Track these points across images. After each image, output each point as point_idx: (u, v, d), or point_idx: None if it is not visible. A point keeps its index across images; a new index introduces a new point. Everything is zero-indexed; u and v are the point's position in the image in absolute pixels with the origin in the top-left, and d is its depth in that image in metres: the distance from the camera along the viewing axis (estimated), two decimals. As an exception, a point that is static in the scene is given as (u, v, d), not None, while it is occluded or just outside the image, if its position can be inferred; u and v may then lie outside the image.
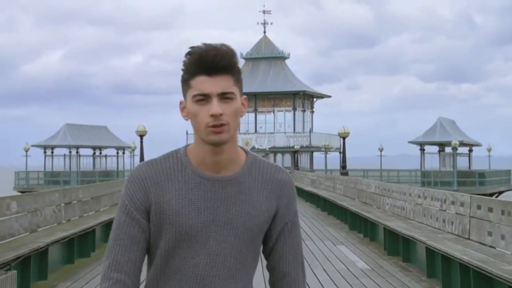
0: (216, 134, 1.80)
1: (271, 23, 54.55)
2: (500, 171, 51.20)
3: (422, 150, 48.35)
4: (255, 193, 1.91)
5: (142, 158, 27.05)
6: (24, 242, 8.80)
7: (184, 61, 1.83)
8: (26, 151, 51.40)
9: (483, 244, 8.21)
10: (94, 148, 56.15)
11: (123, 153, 58.52)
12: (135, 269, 1.88)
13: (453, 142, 44.51)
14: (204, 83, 1.79)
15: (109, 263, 1.86)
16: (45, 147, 53.14)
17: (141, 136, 27.16)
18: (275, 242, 1.97)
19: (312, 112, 56.17)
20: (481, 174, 45.99)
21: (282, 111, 53.25)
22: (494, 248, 7.89)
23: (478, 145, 52.69)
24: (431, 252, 9.31)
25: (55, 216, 11.10)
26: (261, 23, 56.35)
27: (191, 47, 1.83)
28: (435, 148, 49.55)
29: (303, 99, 54.40)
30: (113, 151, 58.52)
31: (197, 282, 1.86)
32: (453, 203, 9.66)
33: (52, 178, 52.08)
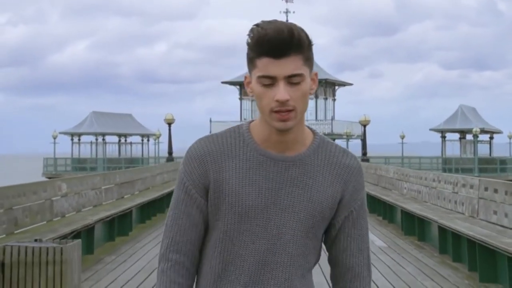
0: (281, 122, 1.71)
1: (294, 12, 55.04)
2: (521, 158, 51.57)
3: (443, 137, 48.89)
4: (319, 176, 1.80)
5: (170, 146, 28.00)
6: (74, 219, 9.79)
7: (249, 37, 1.72)
8: (54, 138, 52.58)
9: (489, 222, 9.03)
10: (119, 135, 57.25)
11: (148, 140, 59.56)
12: (195, 250, 1.82)
13: (474, 130, 45.00)
14: (270, 65, 1.69)
15: (167, 243, 1.81)
16: (72, 134, 54.33)
17: (169, 124, 28.10)
18: (338, 231, 1.85)
19: (334, 100, 56.80)
20: (503, 161, 46.46)
21: (304, 99, 53.85)
22: (499, 225, 8.70)
23: (499, 132, 52.98)
24: (443, 231, 10.14)
25: (97, 197, 12.08)
26: (284, 12, 57.05)
27: (259, 24, 1.71)
28: (456, 136, 50.06)
29: (325, 87, 55.04)
30: (138, 139, 59.62)
31: (258, 269, 1.77)
32: (463, 186, 10.47)
33: (79, 164, 53.26)
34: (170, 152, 27.99)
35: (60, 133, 53.47)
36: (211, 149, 1.79)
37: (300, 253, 1.79)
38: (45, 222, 9.29)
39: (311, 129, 1.84)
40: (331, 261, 1.89)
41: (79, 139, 54.29)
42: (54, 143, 52.01)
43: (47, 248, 6.34)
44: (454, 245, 9.57)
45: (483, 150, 49.86)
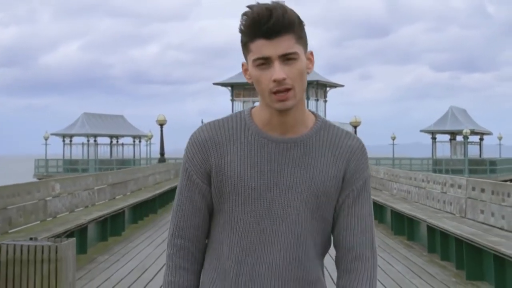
0: (281, 102, 1.73)
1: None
2: (511, 159, 51.95)
3: (434, 138, 49.20)
4: (322, 157, 1.81)
5: (162, 147, 28.13)
6: (68, 219, 9.89)
7: (240, 23, 1.75)
8: (46, 139, 52.59)
9: (476, 221, 9.20)
10: (111, 136, 57.33)
11: (139, 141, 59.66)
12: (199, 235, 1.85)
13: (464, 131, 45.29)
14: (263, 47, 1.71)
15: (172, 230, 1.85)
16: (63, 136, 54.34)
17: (161, 125, 28.24)
18: (339, 210, 1.84)
19: (325, 101, 56.94)
20: (492, 162, 46.77)
21: (295, 100, 54.05)
22: (485, 224, 8.87)
23: (489, 133, 53.37)
24: (431, 230, 10.31)
25: (90, 198, 12.18)
26: (275, 14, 57.13)
27: (248, 6, 1.74)
28: (447, 137, 50.41)
29: (316, 88, 55.21)
30: (129, 140, 59.69)
31: (265, 250, 1.78)
32: (452, 186, 10.65)
33: (71, 166, 53.13)
34: (162, 153, 28.12)
35: (52, 134, 53.50)
36: (212, 134, 1.81)
37: (307, 234, 1.78)
38: (38, 222, 9.39)
39: (313, 112, 1.86)
40: (334, 242, 1.87)
41: (70, 141, 54.30)
42: (46, 144, 52.02)
43: (42, 247, 6.46)
44: (442, 244, 9.74)
45: (473, 152, 50.23)
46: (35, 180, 42.35)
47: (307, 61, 1.77)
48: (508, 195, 8.22)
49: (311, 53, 1.79)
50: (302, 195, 1.78)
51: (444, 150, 50.17)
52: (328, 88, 57.89)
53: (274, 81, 1.70)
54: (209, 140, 1.81)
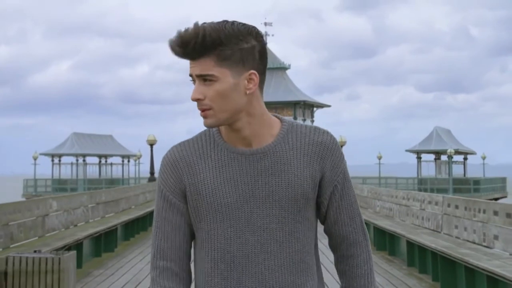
0: (204, 118, 1.78)
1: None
2: (495, 178, 52.71)
3: (419, 158, 49.97)
4: (294, 160, 1.82)
5: (152, 166, 28.65)
6: (65, 235, 10.39)
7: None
8: (35, 159, 52.82)
9: (451, 235, 9.79)
10: (100, 156, 57.57)
11: (128, 161, 59.96)
12: (182, 255, 1.84)
13: (448, 151, 46.08)
14: (190, 66, 1.77)
15: (154, 252, 1.85)
16: (52, 156, 54.55)
17: (151, 145, 28.77)
18: (327, 207, 1.88)
19: (312, 121, 57.66)
20: (476, 181, 47.48)
21: (283, 120, 54.64)
22: (459, 238, 9.46)
23: (473, 153, 54.15)
24: (410, 245, 10.89)
25: (84, 215, 12.68)
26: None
27: (177, 31, 1.76)
28: (432, 156, 51.18)
29: (303, 108, 55.94)
30: (118, 159, 59.98)
31: (249, 261, 1.78)
32: (430, 202, 11.25)
33: (60, 185, 53.27)
34: (152, 172, 28.60)
35: (41, 154, 53.72)
36: (183, 154, 1.84)
37: (291, 239, 1.80)
38: (37, 237, 9.88)
39: (278, 117, 1.88)
40: (326, 232, 1.93)
41: (59, 160, 54.60)
42: (35, 164, 52.13)
43: (46, 259, 6.98)
44: (420, 258, 10.32)
45: (457, 171, 50.97)
46: (24, 200, 42.64)
47: (245, 82, 1.75)
48: (479, 211, 8.82)
49: (252, 73, 1.77)
50: (281, 202, 1.79)
51: (429, 169, 50.93)
52: (315, 108, 58.66)
53: (192, 100, 1.77)
54: (181, 160, 1.83)
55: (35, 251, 7.25)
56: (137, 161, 55.58)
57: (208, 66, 1.73)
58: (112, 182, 54.57)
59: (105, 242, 12.85)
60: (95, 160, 57.55)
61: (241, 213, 1.79)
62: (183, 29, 1.73)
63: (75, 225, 11.92)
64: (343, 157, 1.89)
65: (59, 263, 7.00)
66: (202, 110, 1.75)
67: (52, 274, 6.96)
